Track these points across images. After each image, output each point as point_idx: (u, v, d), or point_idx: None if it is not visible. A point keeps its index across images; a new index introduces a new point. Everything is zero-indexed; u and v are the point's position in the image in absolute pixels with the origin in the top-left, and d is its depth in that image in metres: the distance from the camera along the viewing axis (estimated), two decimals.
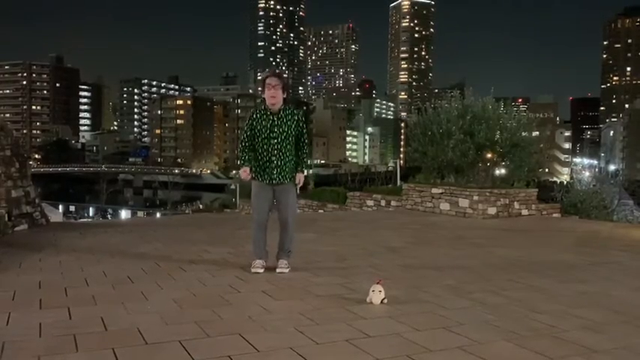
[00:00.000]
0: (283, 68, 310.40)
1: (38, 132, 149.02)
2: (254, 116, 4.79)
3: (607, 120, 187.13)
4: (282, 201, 4.89)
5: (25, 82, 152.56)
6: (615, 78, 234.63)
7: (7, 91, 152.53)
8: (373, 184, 22.25)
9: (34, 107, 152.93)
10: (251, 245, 5.04)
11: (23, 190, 7.83)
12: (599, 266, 6.13)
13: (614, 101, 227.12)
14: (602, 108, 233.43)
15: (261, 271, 4.89)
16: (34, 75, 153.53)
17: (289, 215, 4.93)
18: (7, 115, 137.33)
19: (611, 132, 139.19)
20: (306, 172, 4.88)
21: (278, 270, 4.92)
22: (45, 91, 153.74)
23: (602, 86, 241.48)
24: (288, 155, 4.78)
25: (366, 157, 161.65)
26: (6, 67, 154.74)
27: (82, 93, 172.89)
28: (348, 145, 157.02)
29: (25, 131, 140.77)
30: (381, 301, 3.95)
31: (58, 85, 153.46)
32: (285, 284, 4.58)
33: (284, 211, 4.91)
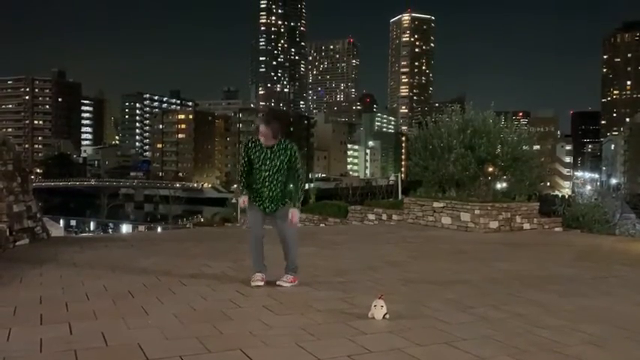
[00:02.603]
0: (284, 83, 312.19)
1: (40, 146, 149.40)
2: (249, 145, 4.98)
3: (608, 134, 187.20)
4: (278, 224, 5.05)
5: (27, 97, 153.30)
6: (615, 92, 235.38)
7: (10, 106, 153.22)
8: (374, 198, 22.20)
9: (36, 122, 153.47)
10: (250, 259, 5.15)
11: (25, 204, 7.84)
12: (601, 281, 6.11)
13: (614, 115, 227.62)
14: (602, 122, 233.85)
15: (261, 284, 4.97)
16: (36, 90, 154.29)
17: (289, 234, 5.05)
18: (10, 129, 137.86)
19: (612, 146, 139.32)
20: (298, 207, 4.98)
21: (278, 282, 5.02)
22: (47, 106, 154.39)
23: (603, 100, 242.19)
24: (280, 186, 4.95)
25: (367, 171, 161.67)
26: (9, 82, 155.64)
27: (83, 107, 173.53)
28: (349, 159, 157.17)
29: (27, 146, 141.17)
30: (383, 317, 3.94)
31: (60, 99, 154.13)
32: (286, 299, 4.57)
33: (281, 233, 5.07)
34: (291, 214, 4.91)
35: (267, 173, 4.90)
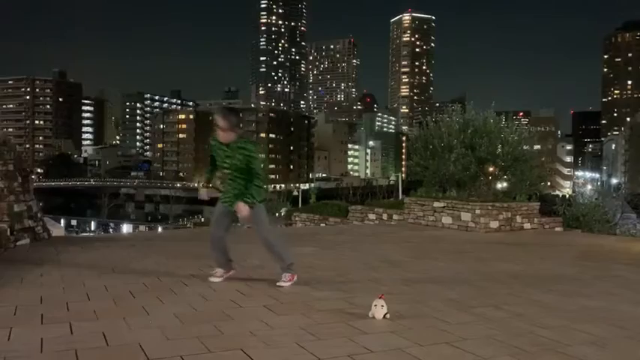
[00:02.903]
0: (285, 83, 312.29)
1: (41, 146, 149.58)
2: (212, 142, 5.03)
3: (608, 133, 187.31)
4: (255, 223, 5.05)
5: (28, 97, 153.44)
6: (616, 91, 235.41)
7: (11, 106, 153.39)
8: (375, 198, 22.27)
9: (36, 122, 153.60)
10: (213, 259, 5.31)
11: (25, 204, 7.84)
12: (602, 280, 6.10)
13: (615, 115, 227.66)
14: (603, 121, 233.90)
15: (218, 280, 5.12)
16: (37, 90, 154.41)
17: (263, 236, 5.03)
18: (10, 129, 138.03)
19: (613, 145, 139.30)
20: (252, 201, 4.87)
21: (277, 284, 5.03)
22: (48, 106, 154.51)
23: (603, 100, 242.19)
24: (243, 184, 4.91)
25: (368, 171, 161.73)
26: (9, 82, 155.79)
27: (84, 107, 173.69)
28: (350, 159, 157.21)
29: (27, 146, 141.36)
30: (384, 316, 3.94)
31: (60, 99, 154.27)
32: (287, 299, 4.57)
33: (258, 233, 5.07)
34: (237, 206, 4.86)
35: (228, 170, 4.95)
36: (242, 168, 4.90)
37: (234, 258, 5.31)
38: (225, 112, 4.94)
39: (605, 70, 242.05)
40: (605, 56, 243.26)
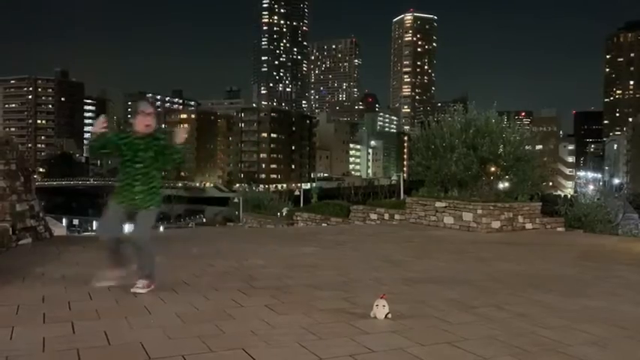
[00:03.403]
0: (287, 82, 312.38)
1: (43, 146, 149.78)
2: (121, 135, 4.69)
3: (610, 133, 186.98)
4: (138, 222, 4.71)
5: (30, 97, 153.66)
6: (618, 91, 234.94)
7: (13, 106, 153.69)
8: (376, 198, 22.25)
9: (39, 121, 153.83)
10: (106, 261, 4.85)
11: (27, 203, 7.86)
12: (603, 281, 6.10)
13: (617, 115, 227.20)
14: (605, 121, 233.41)
15: (112, 283, 4.73)
16: (39, 89, 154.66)
17: (140, 235, 4.69)
18: (13, 129, 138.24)
19: (615, 145, 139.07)
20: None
21: (132, 290, 4.63)
22: (50, 106, 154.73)
23: (605, 100, 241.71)
24: (152, 181, 4.69)
25: (369, 171, 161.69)
26: (12, 81, 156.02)
27: (86, 107, 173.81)
28: (352, 159, 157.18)
29: (30, 145, 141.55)
30: (385, 316, 3.94)
31: (62, 99, 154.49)
32: (288, 298, 4.57)
33: (137, 230, 4.73)
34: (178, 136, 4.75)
35: (140, 165, 4.61)
36: (156, 162, 4.67)
37: (237, 257, 5.31)
38: (150, 100, 4.85)
39: (608, 70, 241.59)
40: (608, 56, 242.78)
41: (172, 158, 4.77)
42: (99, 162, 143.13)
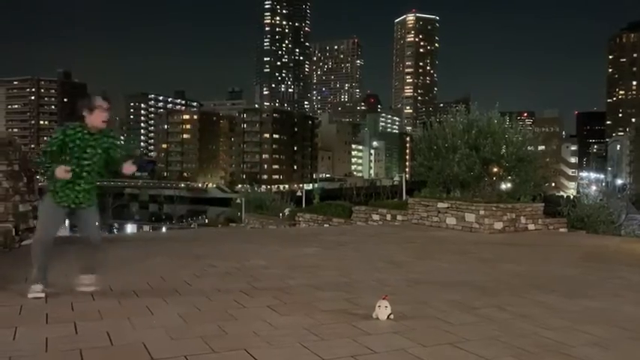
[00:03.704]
0: (289, 83, 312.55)
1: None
2: (68, 132, 4.43)
3: (613, 134, 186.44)
4: (89, 222, 4.62)
5: (33, 98, 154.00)
6: (621, 92, 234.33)
7: (16, 107, 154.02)
8: (379, 198, 22.23)
9: (41, 122, 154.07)
10: (35, 270, 4.46)
11: (30, 204, 7.87)
12: (606, 282, 6.08)
13: (620, 115, 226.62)
14: (608, 122, 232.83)
15: (43, 295, 4.42)
16: (42, 90, 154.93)
17: (98, 234, 4.69)
18: (16, 129, 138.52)
19: (618, 146, 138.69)
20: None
21: (82, 288, 4.52)
22: (52, 106, 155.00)
23: (608, 100, 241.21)
24: (96, 178, 4.57)
25: (372, 171, 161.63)
26: (15, 82, 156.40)
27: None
28: (354, 159, 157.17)
29: (32, 146, 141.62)
30: (387, 317, 3.94)
31: (65, 100, 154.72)
32: (290, 299, 4.58)
33: (94, 231, 4.64)
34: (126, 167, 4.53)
35: (86, 162, 4.42)
36: (102, 159, 4.53)
37: (239, 258, 5.31)
38: (106, 95, 4.64)
39: (610, 70, 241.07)
40: (610, 56, 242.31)
41: (118, 158, 4.60)
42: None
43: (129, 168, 4.55)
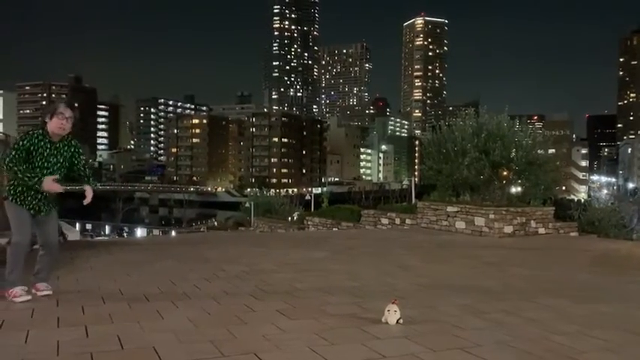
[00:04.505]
0: (297, 87, 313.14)
1: None
2: (33, 140, 4.36)
3: (624, 137, 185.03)
4: (48, 228, 4.62)
5: (44, 102, 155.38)
6: (632, 95, 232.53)
7: (27, 111, 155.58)
8: (387, 202, 22.18)
9: None
10: (13, 273, 4.44)
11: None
12: (617, 286, 6.03)
13: (631, 118, 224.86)
14: (619, 125, 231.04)
15: (30, 297, 4.45)
16: (53, 95, 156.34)
17: (55, 243, 4.69)
18: None
19: (629, 149, 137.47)
20: (92, 188, 4.61)
21: (42, 294, 4.56)
22: None
23: (619, 103, 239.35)
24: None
25: (380, 175, 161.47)
26: (26, 87, 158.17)
27: (99, 112, 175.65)
28: (362, 163, 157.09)
29: None
30: (397, 321, 3.93)
31: (76, 104, 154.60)
32: (300, 303, 4.58)
33: (50, 238, 4.64)
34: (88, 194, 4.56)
35: (48, 171, 4.38)
36: (64, 168, 4.50)
37: (248, 262, 5.32)
38: (71, 104, 4.59)
39: (621, 73, 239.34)
40: (621, 59, 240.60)
41: (78, 168, 4.60)
42: (111, 167, 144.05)
43: (88, 193, 4.55)
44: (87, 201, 4.51)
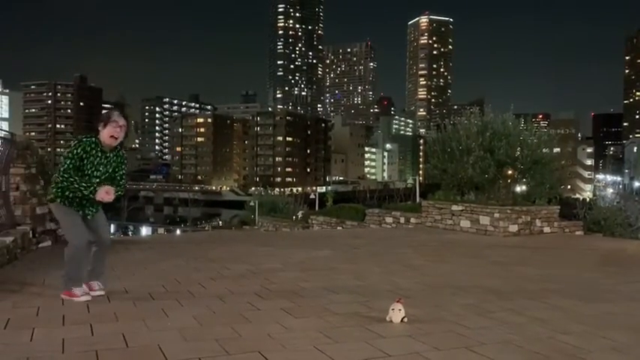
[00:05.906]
0: (302, 86, 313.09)
1: (62, 150, 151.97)
2: (87, 149, 4.35)
3: (630, 136, 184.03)
4: (98, 225, 4.59)
5: (50, 102, 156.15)
6: (638, 93, 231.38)
7: (33, 110, 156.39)
8: (392, 201, 22.18)
9: (58, 126, 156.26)
10: (74, 272, 4.42)
11: (47, 207, 7.97)
12: (623, 285, 6.00)
13: (637, 117, 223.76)
14: (625, 124, 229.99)
15: (90, 297, 4.44)
16: (58, 94, 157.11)
17: (108, 241, 4.72)
18: (33, 133, 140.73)
19: (635, 148, 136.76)
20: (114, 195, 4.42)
21: (96, 293, 4.54)
22: (69, 110, 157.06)
23: (625, 101, 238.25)
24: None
25: (385, 174, 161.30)
26: (32, 87, 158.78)
27: (104, 111, 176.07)
28: (367, 162, 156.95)
29: (49, 149, 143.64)
30: (401, 320, 3.92)
31: (81, 104, 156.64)
32: (305, 302, 4.58)
33: (104, 232, 4.67)
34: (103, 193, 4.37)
35: (97, 180, 4.37)
36: (111, 177, 4.48)
37: (253, 261, 5.33)
38: (125, 113, 4.57)
39: (627, 71, 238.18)
40: (627, 57, 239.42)
41: (118, 177, 4.56)
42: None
43: (110, 191, 4.37)
44: (104, 197, 4.35)
